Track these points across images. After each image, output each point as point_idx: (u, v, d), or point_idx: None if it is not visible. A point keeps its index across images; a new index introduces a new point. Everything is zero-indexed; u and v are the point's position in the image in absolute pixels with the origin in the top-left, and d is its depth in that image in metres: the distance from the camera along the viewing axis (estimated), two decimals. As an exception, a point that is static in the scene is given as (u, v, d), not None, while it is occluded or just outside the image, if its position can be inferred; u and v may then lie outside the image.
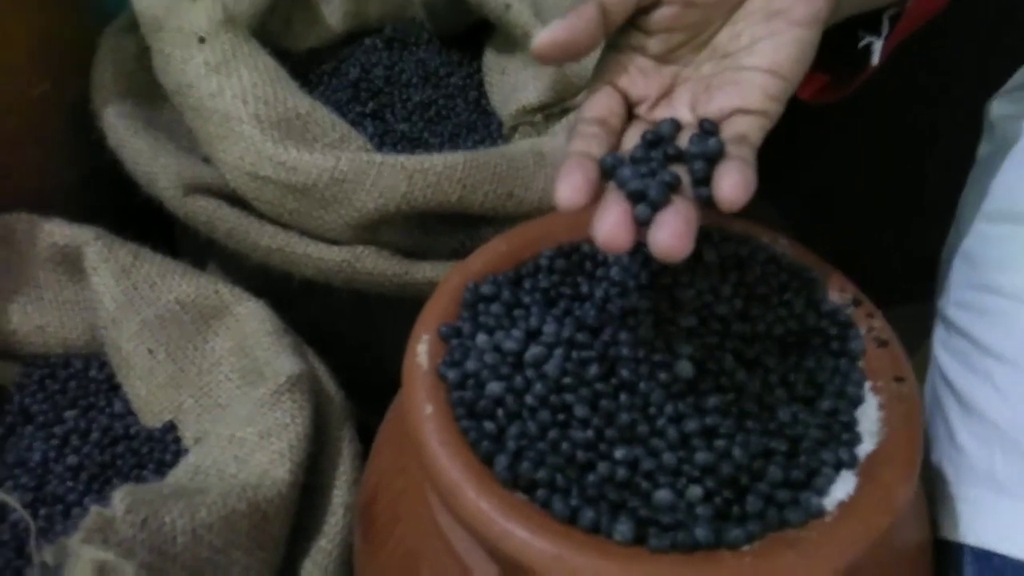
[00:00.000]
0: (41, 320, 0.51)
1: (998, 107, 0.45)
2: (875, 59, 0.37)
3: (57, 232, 0.50)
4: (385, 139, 0.58)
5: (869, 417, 0.31)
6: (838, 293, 0.36)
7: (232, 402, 0.47)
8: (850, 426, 0.31)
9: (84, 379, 0.51)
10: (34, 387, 0.50)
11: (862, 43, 0.38)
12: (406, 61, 0.65)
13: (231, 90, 0.48)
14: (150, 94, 0.55)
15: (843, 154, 0.64)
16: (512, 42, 0.59)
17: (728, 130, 0.29)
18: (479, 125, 0.60)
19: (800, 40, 0.30)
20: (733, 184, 0.26)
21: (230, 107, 0.47)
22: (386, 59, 0.65)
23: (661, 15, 0.31)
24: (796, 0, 0.30)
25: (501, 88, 0.61)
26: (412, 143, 0.58)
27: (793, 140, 0.45)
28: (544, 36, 0.30)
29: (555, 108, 0.57)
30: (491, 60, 0.63)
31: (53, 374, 0.51)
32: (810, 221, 0.55)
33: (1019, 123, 0.43)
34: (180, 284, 0.49)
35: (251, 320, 0.48)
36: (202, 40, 0.49)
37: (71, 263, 0.51)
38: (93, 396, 0.50)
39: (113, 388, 0.50)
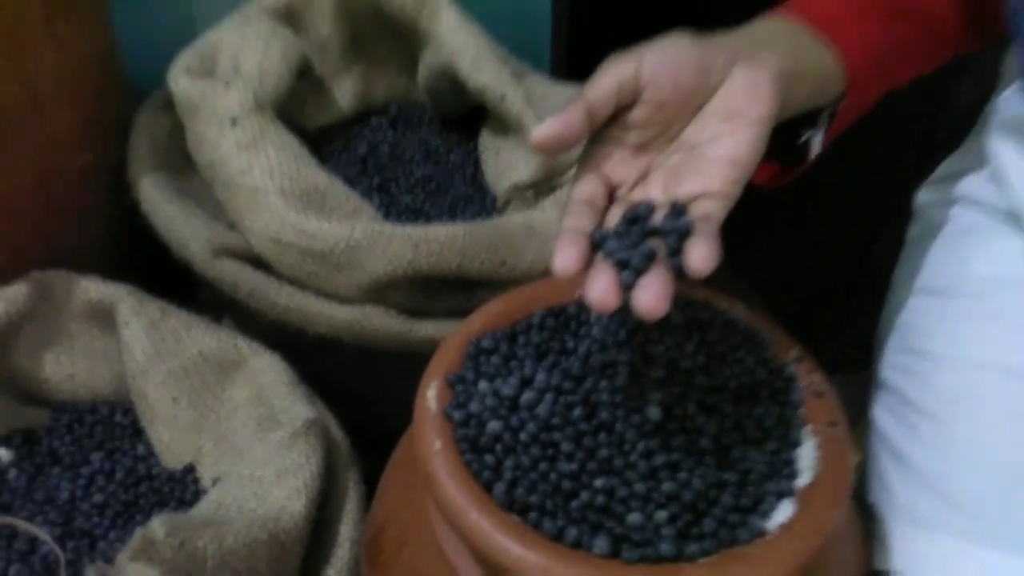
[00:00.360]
0: (72, 369, 0.57)
1: (924, 195, 0.53)
2: (815, 151, 0.45)
3: (92, 289, 0.56)
4: (390, 210, 0.65)
5: (807, 456, 0.37)
6: (784, 352, 0.42)
7: (248, 446, 0.52)
8: (791, 463, 0.37)
9: (110, 424, 0.56)
10: (63, 431, 0.55)
11: (803, 138, 0.46)
12: (409, 139, 0.73)
13: (259, 167, 0.55)
14: (181, 166, 0.62)
15: (798, 238, 0.71)
16: (507, 126, 0.67)
17: (695, 210, 0.35)
18: (475, 199, 0.68)
19: (755, 136, 0.37)
20: (702, 256, 0.32)
21: (258, 182, 0.54)
22: (391, 137, 0.73)
23: (637, 114, 0.38)
24: (750, 103, 0.37)
25: (495, 166, 0.68)
26: (414, 214, 0.65)
27: (750, 223, 0.53)
28: (541, 131, 0.36)
29: (544, 185, 0.65)
30: (487, 141, 0.71)
31: (81, 419, 0.56)
32: (773, 296, 0.62)
33: (941, 210, 0.51)
34: (203, 338, 0.55)
35: (268, 371, 0.54)
36: (234, 122, 0.56)
37: (103, 317, 0.57)
38: (118, 440, 0.55)
39: (136, 432, 0.56)
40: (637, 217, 0.36)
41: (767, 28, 0.42)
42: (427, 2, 0.69)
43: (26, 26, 0.53)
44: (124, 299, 0.55)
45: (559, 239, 0.34)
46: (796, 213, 0.67)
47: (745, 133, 0.36)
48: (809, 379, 0.41)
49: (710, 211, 0.35)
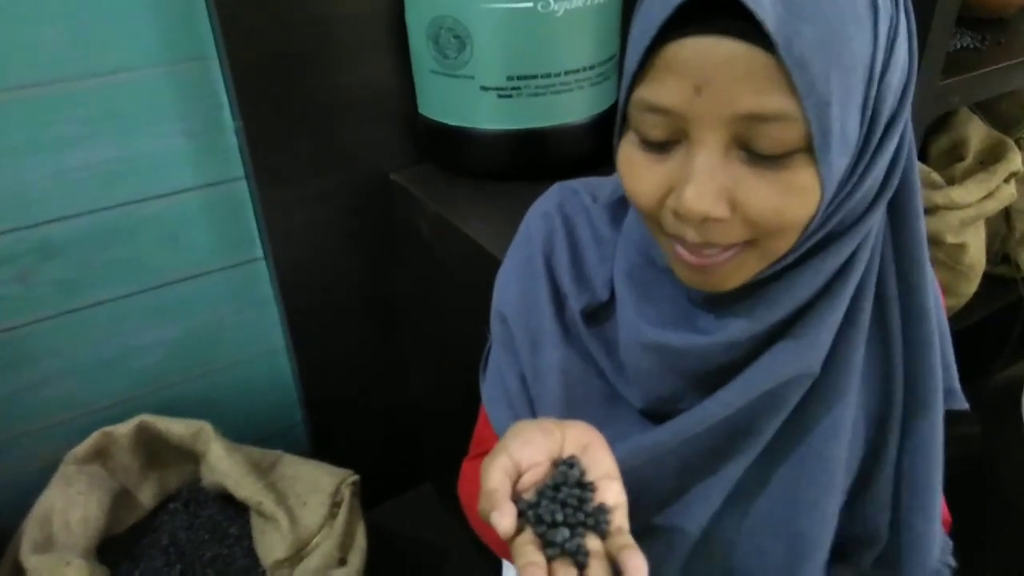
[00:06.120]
0: None
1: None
2: None
3: None
4: (191, 599, 1.00)
5: None
6: None
7: None
8: None
9: None
10: None
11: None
12: (200, 518, 1.09)
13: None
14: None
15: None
16: (265, 518, 1.05)
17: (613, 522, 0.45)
18: (253, 570, 1.04)
19: (608, 454, 0.48)
20: (635, 567, 0.42)
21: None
22: (185, 520, 1.08)
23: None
24: (594, 435, 0.49)
25: (261, 544, 1.06)
26: (209, 598, 1.01)
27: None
28: (504, 532, 0.43)
29: (295, 558, 1.03)
30: (255, 522, 1.08)
31: None
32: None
33: None
34: None
35: None
36: (75, 590, 0.90)
37: None
38: None
39: None
40: (558, 484, 0.46)
41: None
42: (199, 435, 1.07)
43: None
44: None
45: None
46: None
47: (602, 451, 0.49)
48: None
49: (621, 523, 0.46)
